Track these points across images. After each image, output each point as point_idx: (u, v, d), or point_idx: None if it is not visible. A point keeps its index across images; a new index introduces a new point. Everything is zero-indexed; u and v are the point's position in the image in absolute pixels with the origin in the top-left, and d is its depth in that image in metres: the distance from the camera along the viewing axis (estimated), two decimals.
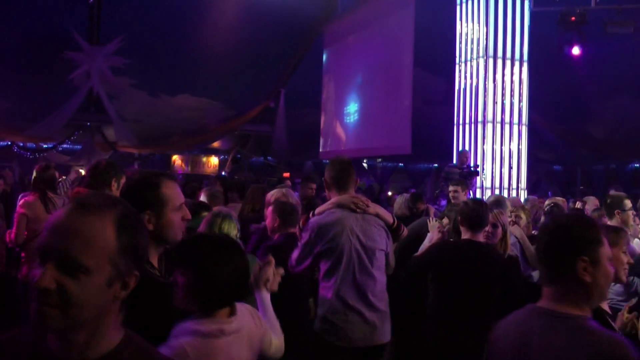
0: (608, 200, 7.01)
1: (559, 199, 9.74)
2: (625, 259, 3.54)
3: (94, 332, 1.66)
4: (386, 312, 4.76)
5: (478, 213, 5.25)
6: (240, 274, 2.64)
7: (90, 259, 1.59)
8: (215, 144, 29.10)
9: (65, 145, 24.71)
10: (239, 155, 29.53)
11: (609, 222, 6.91)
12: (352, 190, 4.89)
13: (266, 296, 3.14)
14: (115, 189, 4.99)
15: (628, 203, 6.82)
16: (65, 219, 1.63)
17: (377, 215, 4.81)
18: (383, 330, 4.71)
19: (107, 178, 5.03)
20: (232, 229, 4.53)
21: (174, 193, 2.80)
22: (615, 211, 6.78)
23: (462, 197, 8.68)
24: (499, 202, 7.53)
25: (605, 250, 2.47)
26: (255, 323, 2.82)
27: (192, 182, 13.87)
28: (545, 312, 2.47)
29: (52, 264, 1.58)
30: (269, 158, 28.92)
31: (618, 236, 3.55)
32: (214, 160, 30.65)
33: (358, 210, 4.74)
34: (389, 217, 4.87)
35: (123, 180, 5.04)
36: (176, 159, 29.73)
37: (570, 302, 2.44)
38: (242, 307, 2.75)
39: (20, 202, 7.02)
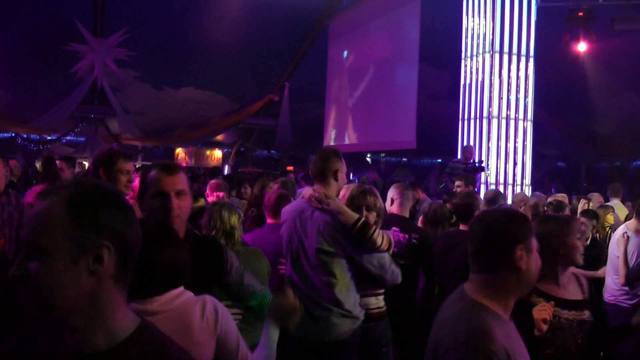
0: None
1: (560, 196, 9.73)
2: (580, 244, 3.78)
3: (92, 316, 1.67)
4: (336, 312, 4.54)
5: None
6: (172, 265, 2.59)
7: (44, 239, 1.61)
8: (219, 137, 29.09)
9: (68, 137, 24.68)
10: (242, 149, 29.52)
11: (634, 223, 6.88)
12: (331, 181, 4.71)
13: (272, 331, 2.96)
14: (107, 180, 4.75)
15: None
16: (29, 211, 1.70)
17: (338, 213, 4.50)
18: (329, 328, 4.54)
19: (96, 168, 4.85)
20: (234, 219, 4.48)
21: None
22: None
23: None
24: (493, 199, 7.48)
25: (535, 241, 2.71)
26: (202, 319, 2.66)
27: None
28: (468, 298, 2.65)
29: (22, 254, 1.64)
30: (273, 152, 28.89)
31: (570, 225, 3.76)
32: (217, 154, 30.62)
33: (312, 205, 4.61)
34: (348, 219, 4.45)
35: (72, 170, 4.86)
36: (180, 151, 29.69)
37: (490, 293, 2.63)
38: (187, 297, 2.68)
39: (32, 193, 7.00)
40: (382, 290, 5.02)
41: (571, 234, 3.73)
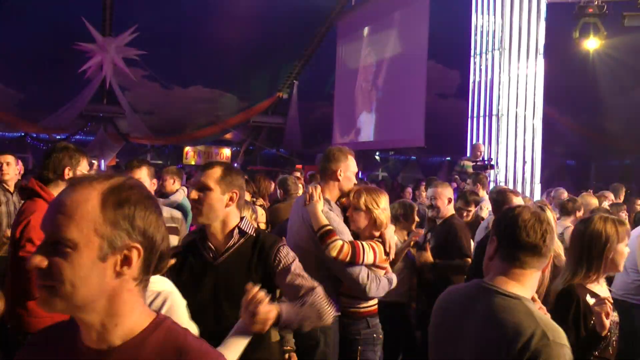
0: None
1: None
2: (626, 251, 3.70)
3: (110, 314, 1.61)
4: None
5: None
6: None
7: (74, 232, 1.54)
8: (228, 136, 29.12)
9: (78, 137, 24.76)
10: (251, 147, 29.54)
11: None
12: (330, 180, 4.71)
13: (239, 339, 2.76)
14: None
15: None
16: (55, 198, 1.62)
17: (311, 215, 4.48)
18: None
19: (59, 166, 4.54)
20: (247, 214, 4.43)
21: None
22: None
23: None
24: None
25: None
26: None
27: None
28: (493, 289, 2.56)
29: (44, 243, 1.56)
30: (282, 150, 28.89)
31: (625, 231, 3.68)
32: (226, 152, 30.63)
33: (306, 202, 4.61)
34: (315, 223, 4.45)
35: (82, 167, 4.70)
36: (188, 150, 29.72)
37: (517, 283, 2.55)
38: None
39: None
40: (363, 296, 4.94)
41: (624, 240, 3.67)
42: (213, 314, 3.18)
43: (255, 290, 2.71)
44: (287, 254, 3.24)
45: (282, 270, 3.19)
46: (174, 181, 7.64)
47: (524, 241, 2.53)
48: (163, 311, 2.54)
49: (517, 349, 2.33)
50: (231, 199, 3.25)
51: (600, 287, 3.64)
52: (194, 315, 2.73)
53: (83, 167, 4.64)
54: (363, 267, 4.49)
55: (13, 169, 6.54)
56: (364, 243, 4.51)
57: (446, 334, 2.70)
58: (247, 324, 2.74)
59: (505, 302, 2.50)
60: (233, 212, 3.28)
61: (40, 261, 1.53)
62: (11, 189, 6.56)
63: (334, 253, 4.33)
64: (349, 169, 4.76)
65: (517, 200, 5.68)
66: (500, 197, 5.84)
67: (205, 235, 3.31)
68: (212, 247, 3.29)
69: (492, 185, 13.72)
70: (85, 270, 1.54)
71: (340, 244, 4.35)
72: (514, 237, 2.55)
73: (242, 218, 3.34)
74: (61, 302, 1.55)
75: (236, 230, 3.27)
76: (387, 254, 4.69)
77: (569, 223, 7.28)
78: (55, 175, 4.50)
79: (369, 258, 4.49)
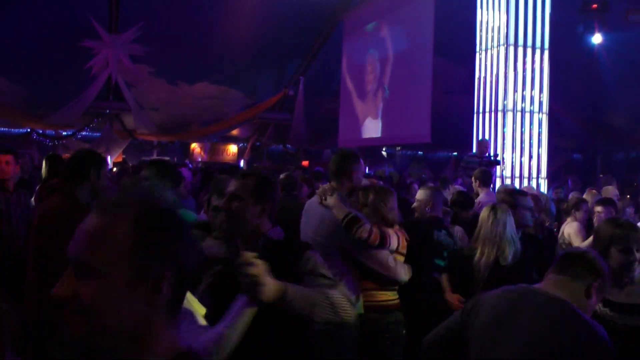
0: None
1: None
2: None
3: (136, 343, 1.53)
4: None
5: None
6: None
7: (102, 260, 1.48)
8: (234, 132, 29.17)
9: (84, 133, 24.85)
10: (258, 143, 29.59)
11: None
12: (344, 180, 4.84)
13: (243, 309, 2.74)
14: (95, 179, 4.76)
15: None
16: (84, 223, 1.55)
17: (332, 208, 4.63)
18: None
19: (85, 168, 4.76)
20: None
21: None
22: None
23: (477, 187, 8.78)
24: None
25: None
26: None
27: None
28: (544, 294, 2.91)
29: (70, 271, 1.51)
30: (288, 146, 28.93)
31: None
32: (232, 148, 30.73)
33: (319, 200, 4.76)
34: (338, 213, 4.59)
35: (104, 170, 4.85)
36: (195, 146, 29.82)
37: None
38: None
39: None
40: (390, 285, 4.98)
41: None
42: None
43: (248, 254, 2.74)
44: (314, 259, 3.17)
45: (306, 274, 3.10)
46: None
47: None
48: None
49: None
50: (263, 210, 3.22)
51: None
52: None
53: (105, 170, 4.82)
54: (388, 252, 4.62)
55: (13, 168, 6.51)
56: (388, 229, 4.65)
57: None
58: (245, 292, 2.73)
59: None
60: (264, 224, 3.25)
61: (65, 292, 1.49)
62: (11, 188, 6.51)
63: (365, 235, 4.48)
64: (359, 171, 4.96)
65: (524, 201, 5.70)
66: (508, 199, 5.83)
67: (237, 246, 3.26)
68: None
69: (498, 181, 13.79)
70: (113, 299, 1.49)
71: (369, 227, 4.54)
72: None
73: (276, 227, 3.31)
74: (91, 332, 1.49)
75: (263, 239, 3.23)
76: (407, 241, 4.84)
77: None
78: (81, 176, 4.67)
79: (394, 242, 4.66)
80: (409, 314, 5.10)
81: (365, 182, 5.76)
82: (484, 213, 5.20)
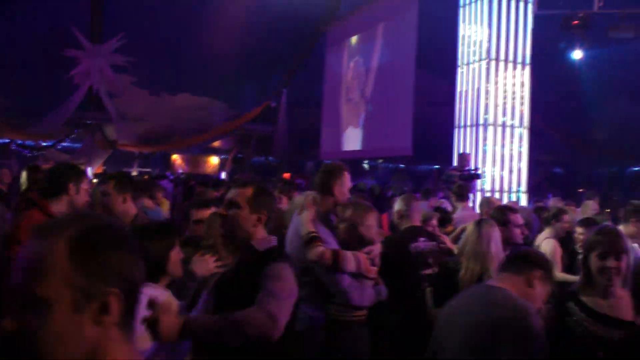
0: (629, 208, 6.93)
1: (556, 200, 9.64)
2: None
3: None
4: None
5: None
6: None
7: (43, 288, 1.44)
8: (216, 144, 29.12)
9: (65, 144, 24.70)
10: (240, 155, 29.52)
11: (622, 227, 6.86)
12: (327, 194, 4.88)
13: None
14: (74, 194, 4.71)
15: None
16: (22, 252, 1.52)
17: (300, 223, 4.66)
18: None
19: (64, 182, 4.71)
20: None
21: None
22: (632, 220, 6.71)
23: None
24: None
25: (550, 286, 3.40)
26: None
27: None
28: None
29: (15, 303, 1.47)
30: (270, 158, 28.89)
31: None
32: (214, 160, 30.66)
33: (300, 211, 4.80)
34: (303, 229, 4.58)
35: (84, 185, 4.82)
36: (177, 158, 29.72)
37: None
38: None
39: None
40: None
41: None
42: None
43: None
44: (278, 270, 3.14)
45: (265, 282, 3.08)
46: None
47: None
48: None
49: None
50: (259, 219, 3.30)
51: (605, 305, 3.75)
52: None
53: (85, 184, 4.77)
54: (346, 275, 4.55)
55: None
56: (347, 252, 4.58)
57: None
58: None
59: None
60: (259, 232, 3.33)
61: (11, 325, 1.45)
62: None
63: (313, 257, 4.43)
64: (344, 185, 4.95)
65: (515, 218, 5.66)
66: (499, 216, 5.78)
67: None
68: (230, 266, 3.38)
69: (478, 195, 13.82)
70: (60, 326, 1.45)
71: (322, 249, 4.45)
72: None
73: (268, 237, 3.37)
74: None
75: (246, 247, 3.30)
76: (373, 264, 4.75)
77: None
78: (59, 190, 4.63)
79: (351, 266, 4.55)
80: (407, 332, 5.06)
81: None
82: (469, 227, 5.16)
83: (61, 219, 1.59)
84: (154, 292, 3.02)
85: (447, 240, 6.12)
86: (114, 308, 1.50)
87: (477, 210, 9.68)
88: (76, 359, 1.48)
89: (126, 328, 1.57)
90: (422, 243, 5.81)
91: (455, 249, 5.93)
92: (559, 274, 6.62)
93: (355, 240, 4.73)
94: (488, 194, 13.95)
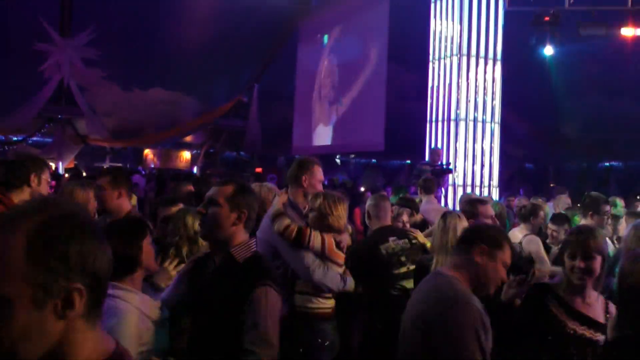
0: (585, 200, 6.99)
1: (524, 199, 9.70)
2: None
3: (59, 359, 1.46)
4: None
5: None
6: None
7: (3, 286, 1.39)
8: (188, 139, 28.99)
9: (35, 138, 24.45)
10: (211, 150, 29.43)
11: (583, 221, 6.92)
12: (295, 186, 5.02)
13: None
14: (35, 185, 4.66)
15: (604, 207, 6.80)
16: None
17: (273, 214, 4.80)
18: None
19: (25, 173, 4.65)
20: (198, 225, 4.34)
21: None
22: (589, 213, 6.78)
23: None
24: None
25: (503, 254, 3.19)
26: None
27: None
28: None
29: None
30: (242, 153, 28.83)
31: None
32: (186, 155, 30.52)
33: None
34: (273, 211, 4.74)
35: (46, 176, 4.77)
36: (148, 153, 29.54)
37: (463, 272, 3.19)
38: None
39: None
40: (324, 292, 4.92)
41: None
42: (190, 327, 3.26)
43: None
44: (262, 299, 3.02)
45: (249, 312, 2.98)
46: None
47: None
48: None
49: None
50: (239, 218, 3.19)
51: (583, 305, 3.77)
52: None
53: (46, 176, 4.70)
54: (310, 252, 4.59)
55: None
56: (313, 230, 4.63)
57: None
58: None
59: None
60: (239, 232, 3.21)
61: None
62: None
63: (279, 228, 4.53)
64: (313, 177, 5.02)
65: (485, 210, 5.66)
66: (468, 208, 5.80)
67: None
68: (214, 263, 3.25)
69: (450, 189, 13.88)
70: (22, 323, 1.40)
71: (287, 222, 4.56)
72: None
73: (249, 241, 3.26)
74: (4, 358, 1.41)
75: (225, 254, 3.18)
76: (339, 248, 4.79)
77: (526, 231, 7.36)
78: (21, 182, 4.56)
79: (315, 243, 4.59)
80: (385, 331, 5.03)
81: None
82: (436, 222, 5.20)
83: (19, 209, 1.51)
84: (142, 304, 3.11)
85: (419, 235, 6.07)
86: (78, 302, 1.45)
87: (457, 206, 9.79)
88: (40, 352, 1.44)
89: (92, 316, 1.51)
90: (392, 242, 5.82)
91: (427, 243, 5.93)
92: (551, 267, 6.68)
93: (325, 229, 4.75)
94: (460, 189, 14.04)
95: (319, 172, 5.06)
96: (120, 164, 25.27)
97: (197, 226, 4.04)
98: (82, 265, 1.45)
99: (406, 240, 5.84)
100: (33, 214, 1.46)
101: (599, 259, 3.64)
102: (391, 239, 5.80)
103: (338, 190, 11.04)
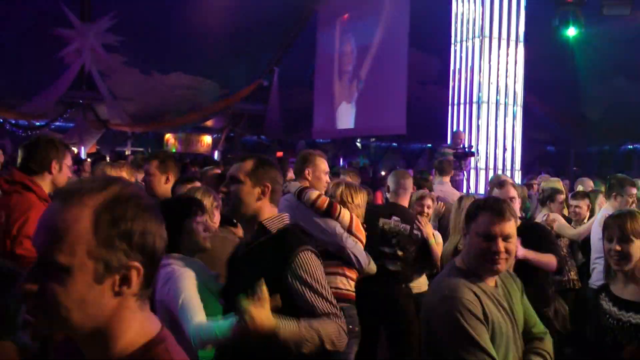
0: (611, 182, 6.91)
1: (554, 180, 9.61)
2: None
3: (107, 334, 1.52)
4: None
5: None
6: None
7: (66, 256, 1.43)
8: (209, 123, 29.00)
9: (57, 123, 24.57)
10: (232, 134, 29.46)
11: (606, 204, 6.85)
12: (301, 179, 5.10)
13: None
14: (56, 172, 4.48)
15: (631, 190, 6.72)
16: (44, 214, 1.51)
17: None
18: None
19: (46, 159, 4.47)
20: (207, 201, 4.25)
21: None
22: (613, 194, 6.70)
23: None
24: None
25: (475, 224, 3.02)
26: None
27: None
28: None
29: (35, 266, 1.47)
30: (263, 137, 28.85)
31: None
32: (207, 139, 30.54)
33: None
34: (305, 196, 4.93)
35: (67, 161, 4.64)
36: (169, 137, 29.60)
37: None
38: None
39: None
40: (349, 274, 4.90)
41: None
42: (224, 308, 3.23)
43: (262, 290, 2.69)
44: (306, 262, 3.02)
45: (296, 279, 2.98)
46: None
47: None
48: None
49: None
50: (263, 192, 3.17)
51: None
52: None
53: (68, 161, 4.61)
54: (339, 225, 4.66)
55: None
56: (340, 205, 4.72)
57: None
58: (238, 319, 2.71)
59: None
60: (265, 206, 3.20)
61: (30, 286, 1.45)
62: None
63: (311, 197, 4.67)
64: (318, 169, 5.09)
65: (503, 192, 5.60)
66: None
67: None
68: (244, 241, 3.29)
69: (472, 172, 13.83)
70: (80, 294, 1.45)
71: (318, 193, 4.71)
72: None
73: (281, 214, 3.27)
74: (57, 325, 1.49)
75: (258, 226, 3.17)
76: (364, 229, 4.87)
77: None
78: (41, 168, 4.45)
79: (345, 217, 4.69)
80: (358, 305, 5.02)
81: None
82: (454, 205, 5.27)
83: (86, 185, 1.55)
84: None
85: (424, 227, 5.95)
86: (135, 280, 1.52)
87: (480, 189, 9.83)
88: (92, 326, 1.50)
89: (143, 297, 1.59)
90: (393, 222, 5.81)
91: (432, 237, 5.90)
92: (573, 232, 6.72)
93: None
94: (482, 172, 13.98)
95: (322, 164, 5.12)
96: (141, 149, 25.35)
97: (206, 203, 4.03)
98: (142, 245, 1.52)
99: (407, 227, 5.84)
100: (100, 190, 1.52)
101: (637, 242, 3.54)
102: (394, 218, 5.83)
103: (359, 172, 11.06)
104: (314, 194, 4.62)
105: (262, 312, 2.67)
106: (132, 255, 1.50)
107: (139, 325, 1.57)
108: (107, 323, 1.51)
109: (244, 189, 3.15)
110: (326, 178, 5.15)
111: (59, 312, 1.45)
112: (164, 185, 5.03)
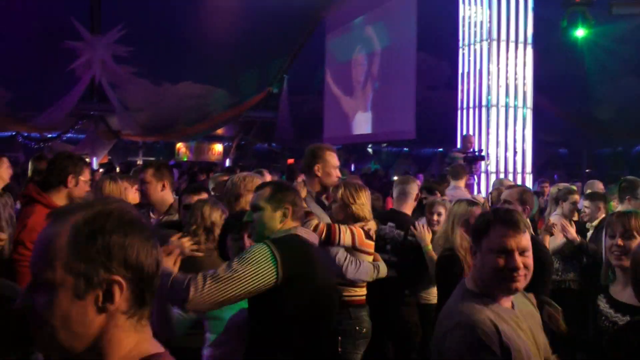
0: (622, 184, 6.86)
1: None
2: None
3: (96, 353, 1.50)
4: None
5: None
6: None
7: (48, 271, 1.45)
8: (220, 131, 29.10)
9: (69, 135, 24.72)
10: (243, 142, 29.53)
11: (619, 207, 6.79)
12: (308, 175, 5.04)
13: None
14: (72, 186, 4.61)
15: None
16: (39, 234, 1.54)
17: None
18: None
19: (63, 174, 4.61)
20: (216, 215, 4.31)
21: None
22: (627, 197, 6.65)
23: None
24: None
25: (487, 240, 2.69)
26: None
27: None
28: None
29: (29, 283, 1.51)
30: (274, 145, 28.90)
31: None
32: (218, 147, 30.64)
33: None
34: None
35: (84, 176, 4.71)
36: (180, 146, 29.71)
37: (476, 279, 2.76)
38: None
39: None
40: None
41: None
42: None
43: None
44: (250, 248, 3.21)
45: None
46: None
47: None
48: None
49: None
50: (284, 214, 3.34)
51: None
52: None
53: (85, 176, 4.69)
54: (341, 249, 4.59)
55: (5, 170, 6.42)
56: (341, 225, 4.62)
57: None
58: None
59: None
60: (286, 224, 3.36)
61: (22, 302, 1.49)
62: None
63: (311, 228, 4.40)
64: (327, 165, 4.97)
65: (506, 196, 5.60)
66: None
67: None
68: None
69: (482, 176, 13.79)
70: (63, 311, 1.45)
71: (315, 222, 4.51)
72: None
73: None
74: (46, 343, 1.50)
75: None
76: (369, 237, 4.78)
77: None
78: (57, 182, 4.57)
79: (346, 239, 4.60)
80: None
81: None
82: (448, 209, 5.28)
83: (75, 204, 1.59)
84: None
85: (421, 233, 5.85)
86: (118, 296, 1.49)
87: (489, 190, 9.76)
88: (82, 346, 1.49)
89: (136, 316, 1.55)
90: (388, 228, 5.81)
91: (428, 244, 5.80)
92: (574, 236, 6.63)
93: (349, 219, 4.77)
94: (492, 176, 13.93)
95: (332, 159, 5.01)
96: (153, 158, 25.44)
97: (214, 217, 4.08)
98: (124, 259, 1.50)
99: (401, 233, 5.82)
100: (84, 209, 1.53)
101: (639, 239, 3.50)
102: (389, 224, 5.82)
103: (369, 179, 11.04)
104: (311, 224, 4.45)
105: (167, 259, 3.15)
106: (113, 270, 1.48)
107: (133, 345, 1.54)
108: (96, 343, 1.50)
109: (266, 215, 3.34)
110: (337, 173, 5.04)
111: (47, 330, 1.46)
112: (160, 192, 5.08)
